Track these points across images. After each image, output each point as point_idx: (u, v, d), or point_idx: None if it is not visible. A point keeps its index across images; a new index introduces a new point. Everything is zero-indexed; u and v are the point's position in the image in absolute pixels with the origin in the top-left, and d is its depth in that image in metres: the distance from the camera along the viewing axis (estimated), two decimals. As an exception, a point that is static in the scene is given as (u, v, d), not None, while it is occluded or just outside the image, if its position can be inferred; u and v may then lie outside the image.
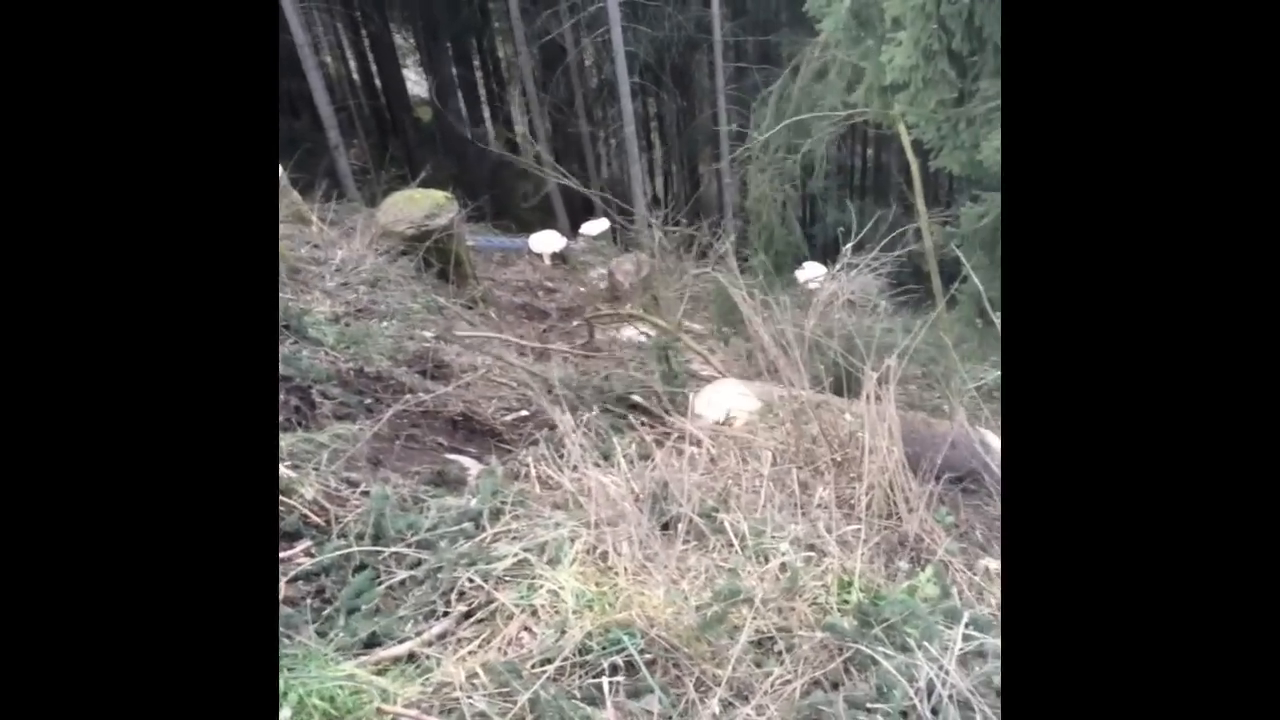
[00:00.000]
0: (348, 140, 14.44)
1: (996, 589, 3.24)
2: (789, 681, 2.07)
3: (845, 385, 4.41)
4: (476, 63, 18.62)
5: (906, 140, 5.75)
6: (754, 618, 2.19)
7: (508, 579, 2.20)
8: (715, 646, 2.07)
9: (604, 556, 2.27)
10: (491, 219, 13.05)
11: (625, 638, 1.96)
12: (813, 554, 2.57)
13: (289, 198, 8.35)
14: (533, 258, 10.83)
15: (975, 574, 3.34)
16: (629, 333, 9.64)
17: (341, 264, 6.83)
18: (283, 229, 6.93)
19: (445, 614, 2.16)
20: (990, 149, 5.21)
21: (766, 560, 2.47)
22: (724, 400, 4.53)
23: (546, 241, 10.84)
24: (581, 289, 10.18)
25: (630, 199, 11.61)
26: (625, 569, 2.19)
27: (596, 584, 2.12)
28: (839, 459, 3.76)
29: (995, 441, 4.89)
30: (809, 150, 8.20)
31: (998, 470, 4.82)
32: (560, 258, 10.86)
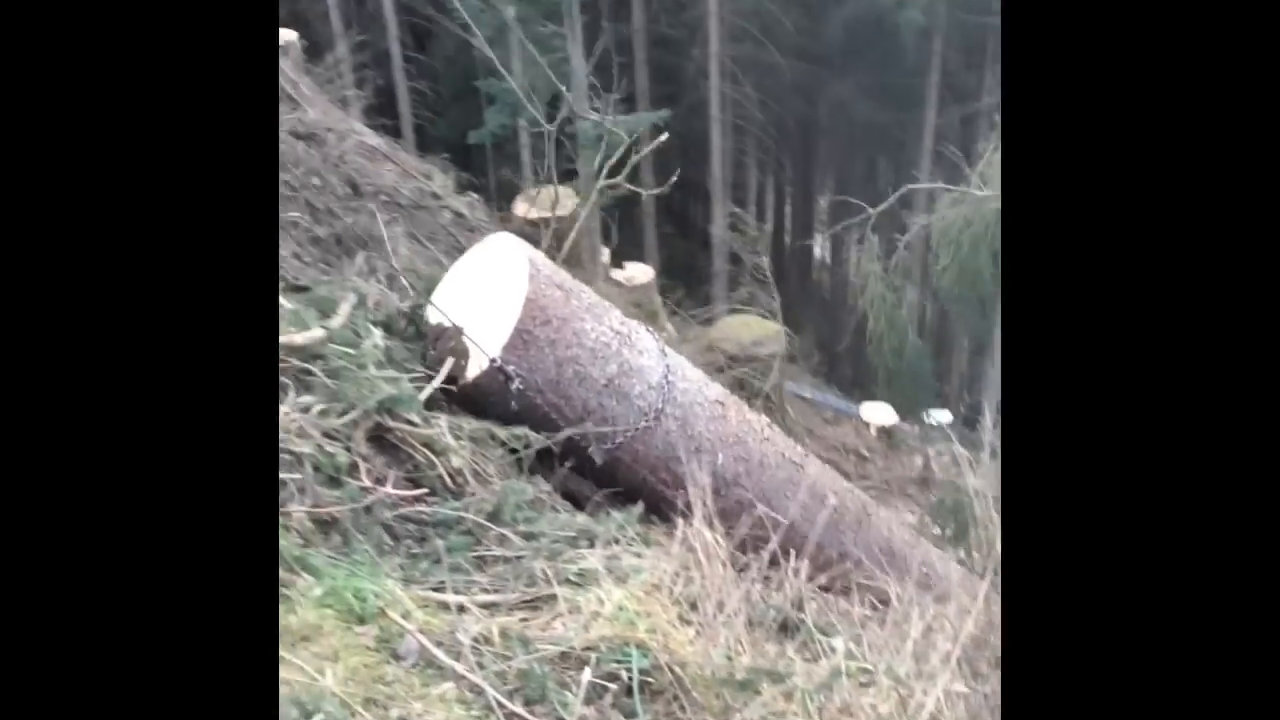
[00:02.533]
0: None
1: None
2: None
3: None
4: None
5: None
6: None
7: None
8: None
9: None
10: (810, 363, 12.97)
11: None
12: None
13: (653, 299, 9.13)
14: (860, 424, 10.77)
15: None
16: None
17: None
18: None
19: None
20: None
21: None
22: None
23: (878, 414, 10.75)
24: (896, 470, 9.92)
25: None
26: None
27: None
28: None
29: None
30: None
31: None
32: (887, 433, 10.70)
